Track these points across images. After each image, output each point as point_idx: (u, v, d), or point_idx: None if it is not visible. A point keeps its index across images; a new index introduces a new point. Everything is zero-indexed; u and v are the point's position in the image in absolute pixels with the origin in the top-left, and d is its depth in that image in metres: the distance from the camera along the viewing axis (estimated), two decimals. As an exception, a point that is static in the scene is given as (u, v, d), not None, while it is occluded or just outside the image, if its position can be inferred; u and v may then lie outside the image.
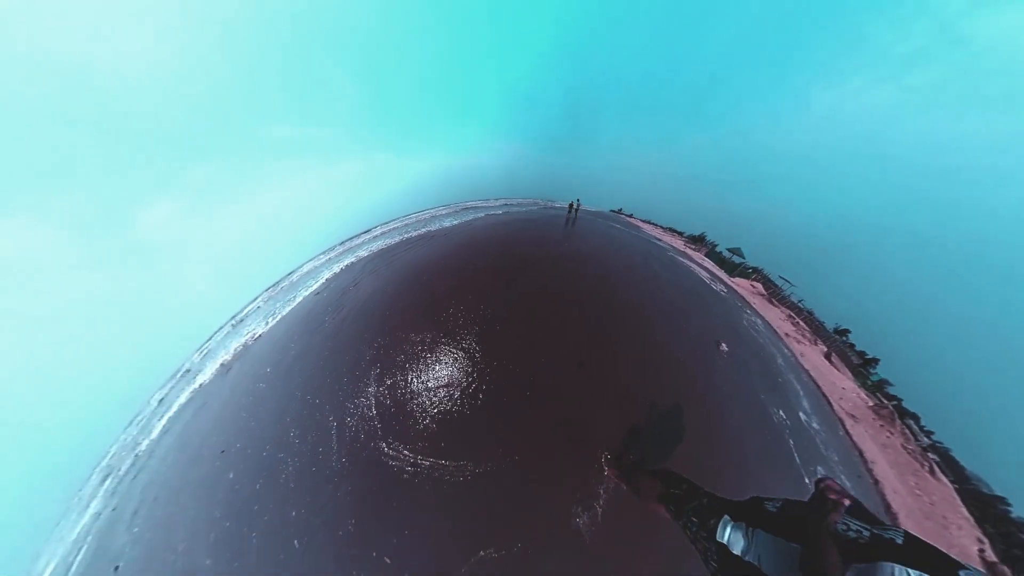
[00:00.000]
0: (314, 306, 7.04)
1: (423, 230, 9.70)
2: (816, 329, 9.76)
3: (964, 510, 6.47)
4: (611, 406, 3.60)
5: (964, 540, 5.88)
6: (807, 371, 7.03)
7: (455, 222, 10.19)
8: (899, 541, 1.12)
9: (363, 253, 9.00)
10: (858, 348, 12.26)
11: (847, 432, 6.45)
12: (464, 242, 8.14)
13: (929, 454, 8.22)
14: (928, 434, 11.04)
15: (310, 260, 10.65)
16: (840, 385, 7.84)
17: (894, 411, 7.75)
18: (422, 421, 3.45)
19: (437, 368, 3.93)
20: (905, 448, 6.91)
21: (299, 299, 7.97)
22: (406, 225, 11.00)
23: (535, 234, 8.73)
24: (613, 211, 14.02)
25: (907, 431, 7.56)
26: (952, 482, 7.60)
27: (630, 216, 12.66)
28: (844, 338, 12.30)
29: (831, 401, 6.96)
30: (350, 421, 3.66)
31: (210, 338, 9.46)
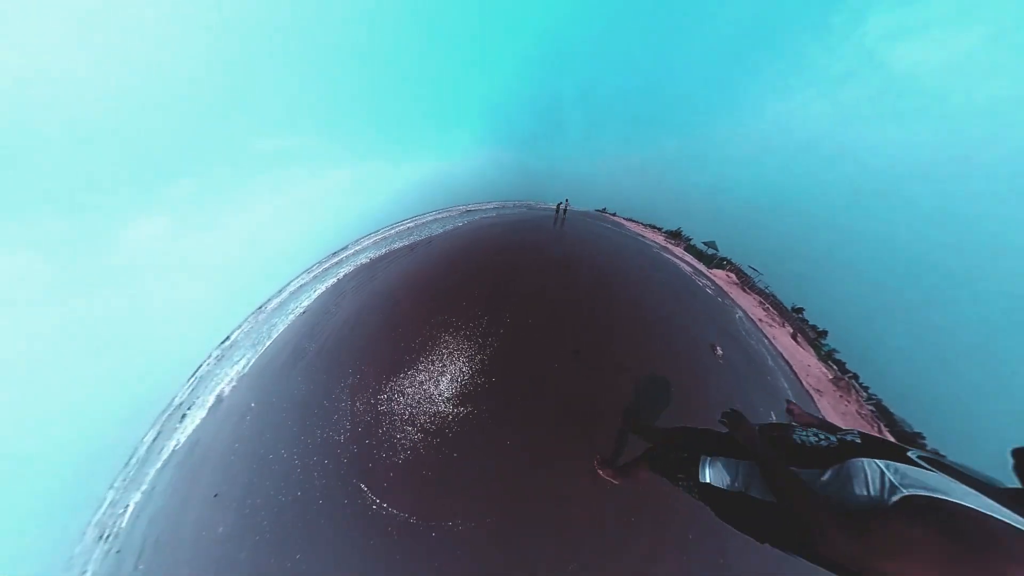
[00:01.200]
0: (300, 328, 6.97)
1: (412, 239, 9.63)
2: (781, 311, 10.99)
3: (904, 459, 7.90)
4: (613, 409, 3.75)
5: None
6: (784, 358, 8.01)
7: (445, 228, 10.21)
8: (858, 440, 1.26)
9: (348, 269, 8.82)
10: (811, 323, 13.92)
11: (816, 407, 7.54)
12: (454, 249, 8.13)
13: (868, 405, 9.81)
14: (865, 388, 13.04)
15: (298, 276, 10.28)
16: (806, 363, 9.04)
17: (849, 382, 9.06)
18: (408, 466, 3.32)
19: (425, 402, 3.81)
20: (859, 414, 8.20)
21: (286, 323, 7.78)
22: (396, 234, 10.83)
23: (527, 236, 8.85)
24: (598, 210, 14.57)
25: (859, 398, 8.89)
26: (885, 426, 9.17)
27: (613, 215, 13.29)
28: (800, 315, 13.89)
29: (801, 380, 8.06)
30: (332, 469, 3.51)
31: (199, 367, 9.01)
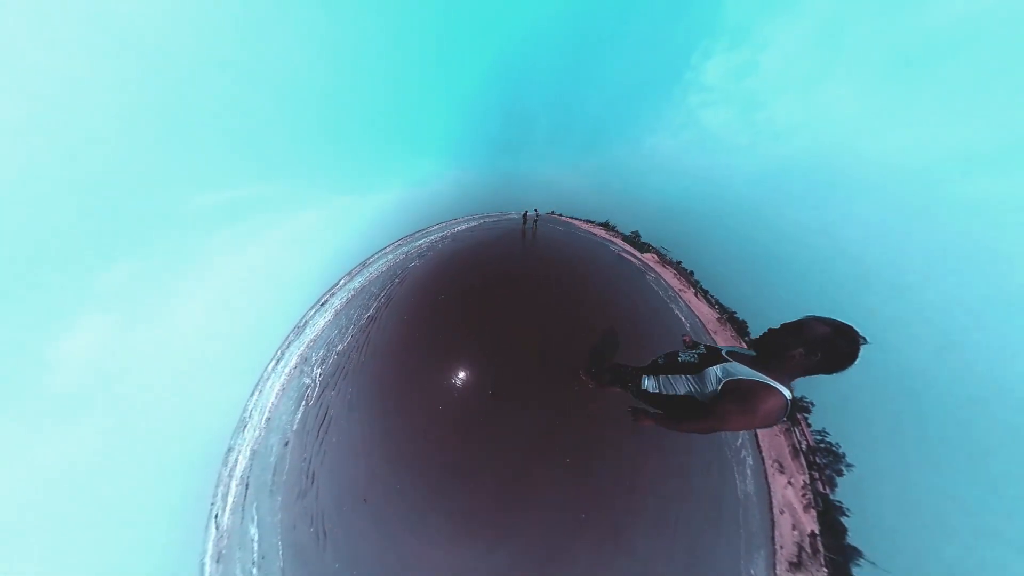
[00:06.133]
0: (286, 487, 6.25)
1: (385, 292, 9.16)
2: (682, 272, 15.66)
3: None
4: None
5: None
6: (698, 317, 12.29)
7: (425, 255, 10.99)
8: (704, 351, 2.22)
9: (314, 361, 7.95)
10: (686, 268, 19.51)
11: (713, 340, 12.18)
12: (421, 316, 7.84)
13: (732, 329, 15.66)
14: (733, 313, 19.55)
15: (268, 371, 9.39)
16: (704, 312, 13.83)
17: (724, 319, 14.21)
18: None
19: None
20: (732, 336, 13.40)
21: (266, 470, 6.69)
22: (361, 291, 10.09)
23: (505, 252, 10.08)
24: (548, 213, 16.42)
25: (731, 329, 14.17)
26: (733, 334, 15.02)
27: (561, 215, 15.42)
28: (680, 265, 19.34)
29: (707, 329, 12.63)
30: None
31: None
